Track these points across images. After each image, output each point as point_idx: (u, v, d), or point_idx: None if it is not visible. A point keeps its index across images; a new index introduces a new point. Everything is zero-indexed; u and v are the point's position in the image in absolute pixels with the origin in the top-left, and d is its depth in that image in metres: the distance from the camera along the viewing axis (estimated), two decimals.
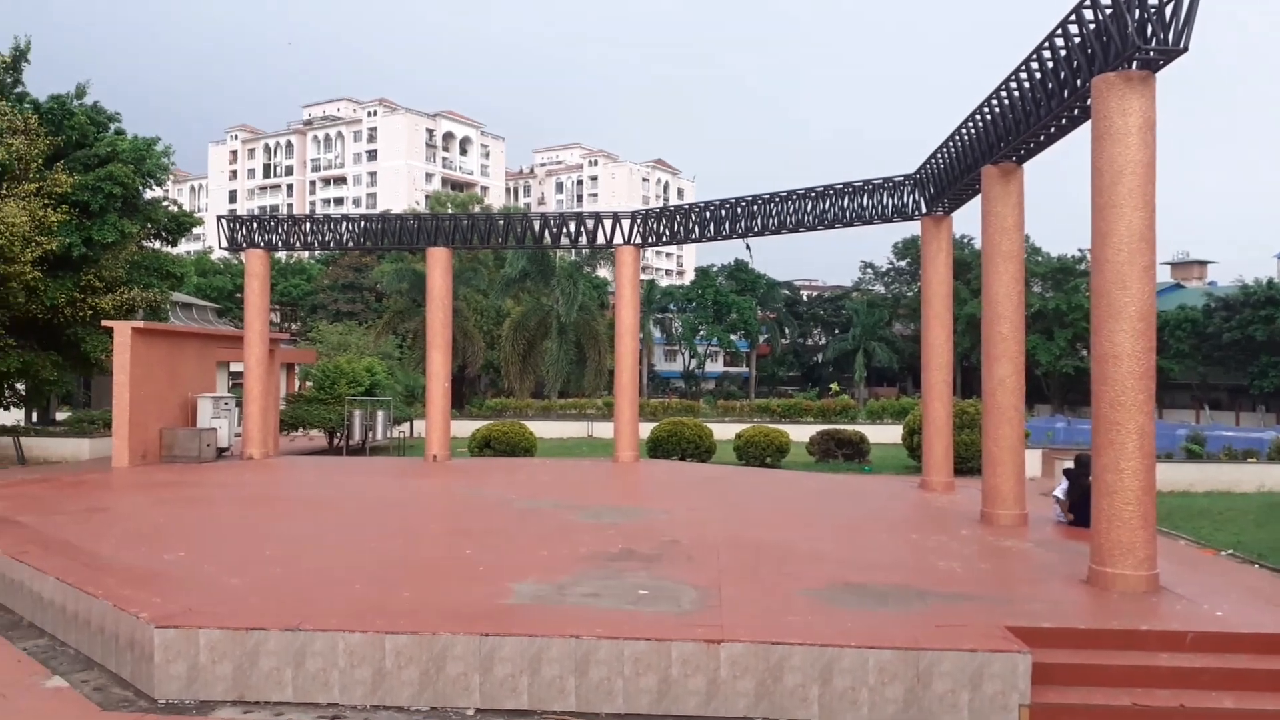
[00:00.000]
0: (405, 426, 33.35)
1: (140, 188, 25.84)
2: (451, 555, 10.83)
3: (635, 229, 22.99)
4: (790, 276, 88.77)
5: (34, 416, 33.04)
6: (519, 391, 48.60)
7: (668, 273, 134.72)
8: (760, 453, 25.39)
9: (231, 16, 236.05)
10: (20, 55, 25.13)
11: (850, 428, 30.08)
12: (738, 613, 7.93)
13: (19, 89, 25.34)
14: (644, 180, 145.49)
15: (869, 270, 79.27)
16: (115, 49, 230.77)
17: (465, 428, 32.18)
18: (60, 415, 34.34)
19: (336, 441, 30.16)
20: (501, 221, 24.30)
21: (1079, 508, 13.30)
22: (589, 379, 50.01)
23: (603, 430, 38.40)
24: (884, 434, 33.72)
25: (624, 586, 8.90)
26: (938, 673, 6.97)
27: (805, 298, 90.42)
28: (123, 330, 20.95)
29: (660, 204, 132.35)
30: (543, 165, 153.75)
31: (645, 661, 7.04)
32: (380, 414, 29.19)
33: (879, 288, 78.57)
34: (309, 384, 33.50)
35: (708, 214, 21.98)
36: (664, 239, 23.15)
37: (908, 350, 70.78)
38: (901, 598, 8.69)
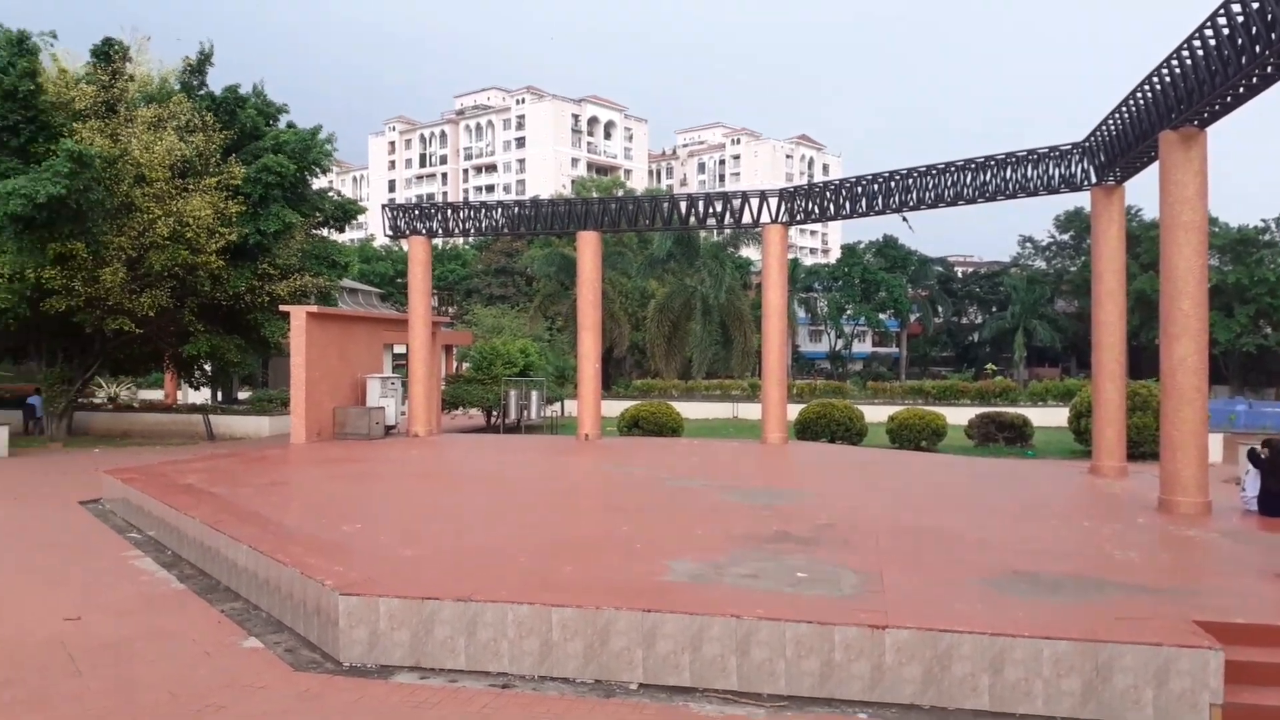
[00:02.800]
0: (557, 406, 34.22)
1: (305, 176, 27.32)
2: (608, 532, 11.04)
3: (783, 207, 22.68)
4: (943, 252, 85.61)
5: (219, 396, 35.67)
6: (664, 372, 48.97)
7: (812, 251, 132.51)
8: (915, 436, 24.72)
9: (388, 13, 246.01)
10: (205, 59, 27.02)
11: (1011, 410, 28.92)
12: (901, 598, 7.77)
13: (202, 90, 27.23)
14: (787, 157, 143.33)
15: (1028, 245, 75.60)
16: (282, 49, 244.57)
17: (612, 408, 32.74)
18: (242, 395, 36.94)
19: (493, 420, 31.27)
20: (649, 204, 24.47)
21: (1270, 497, 12.34)
22: (735, 360, 49.88)
23: (748, 411, 38.29)
24: (1047, 417, 32.26)
25: (782, 568, 8.86)
26: (1119, 667, 6.62)
27: (959, 274, 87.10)
28: (299, 314, 22.28)
29: (804, 181, 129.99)
30: (684, 146, 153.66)
31: (807, 644, 6.98)
32: (534, 394, 30.07)
33: (1039, 263, 74.84)
34: (467, 365, 34.83)
35: (859, 189, 21.45)
36: (813, 216, 22.74)
37: (1071, 329, 67.24)
38: (1076, 588, 8.30)
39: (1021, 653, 6.73)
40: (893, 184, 20.55)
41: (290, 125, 28.08)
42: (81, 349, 26.41)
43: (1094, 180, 16.96)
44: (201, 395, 35.44)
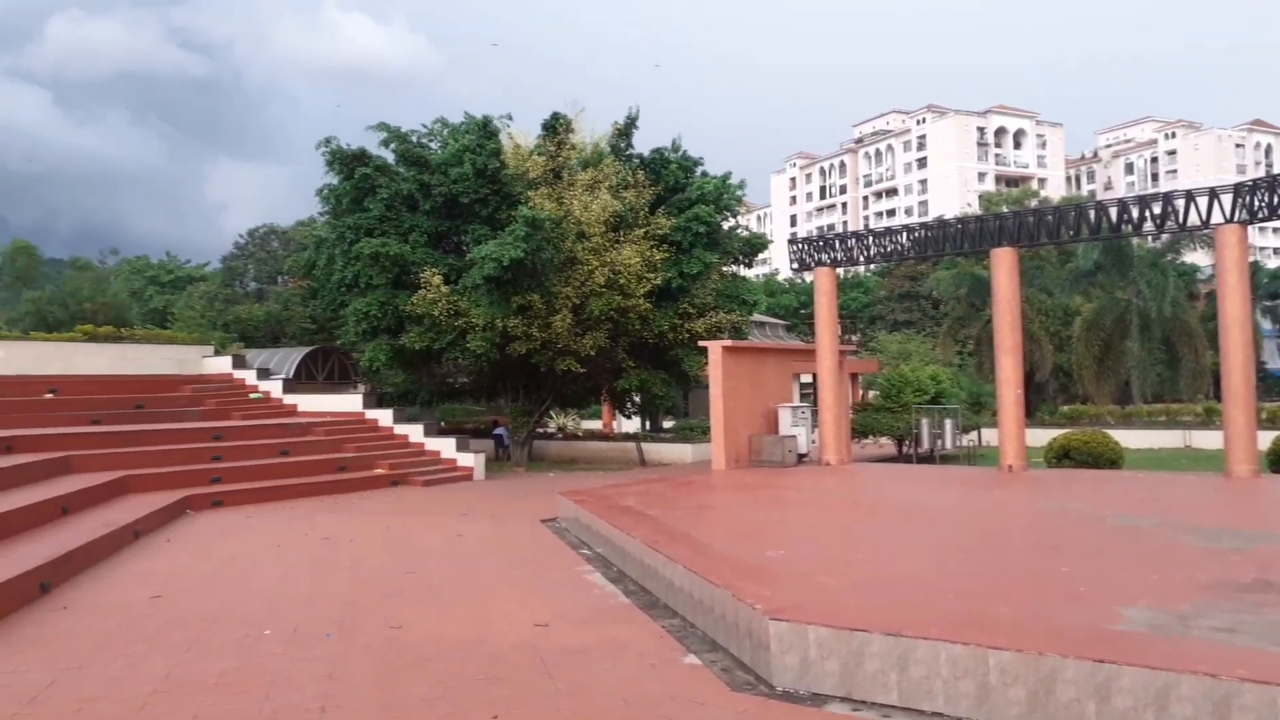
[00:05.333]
0: (973, 435, 32.63)
1: (719, 222, 29.16)
2: (1045, 572, 10.26)
3: (1239, 203, 19.70)
4: None
5: (647, 425, 38.81)
6: (1095, 397, 44.52)
7: (1275, 251, 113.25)
8: None
9: (786, 56, 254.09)
10: (631, 123, 29.94)
11: None
12: None
13: (629, 151, 30.15)
14: (1237, 147, 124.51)
15: None
16: (693, 104, 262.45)
17: (1036, 436, 30.43)
18: (666, 424, 39.84)
19: (905, 449, 30.60)
20: (1071, 213, 22.59)
21: None
22: (1184, 381, 44.02)
23: (1203, 440, 33.59)
24: None
25: (1265, 624, 7.62)
26: None
27: None
28: (715, 349, 23.64)
29: (1262, 173, 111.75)
30: (1107, 147, 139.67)
31: None
32: (948, 422, 28.98)
33: None
34: (874, 393, 34.50)
35: None
36: (1278, 213, 19.48)
37: None
38: None
39: None
40: None
41: (704, 174, 30.11)
42: (537, 386, 30.29)
43: None
44: (632, 424, 38.77)
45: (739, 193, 30.04)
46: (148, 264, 69.81)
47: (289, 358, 36.17)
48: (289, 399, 29.58)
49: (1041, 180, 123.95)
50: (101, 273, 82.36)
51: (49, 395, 25.35)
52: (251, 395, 29.53)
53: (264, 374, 31.03)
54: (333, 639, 9.28)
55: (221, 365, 31.53)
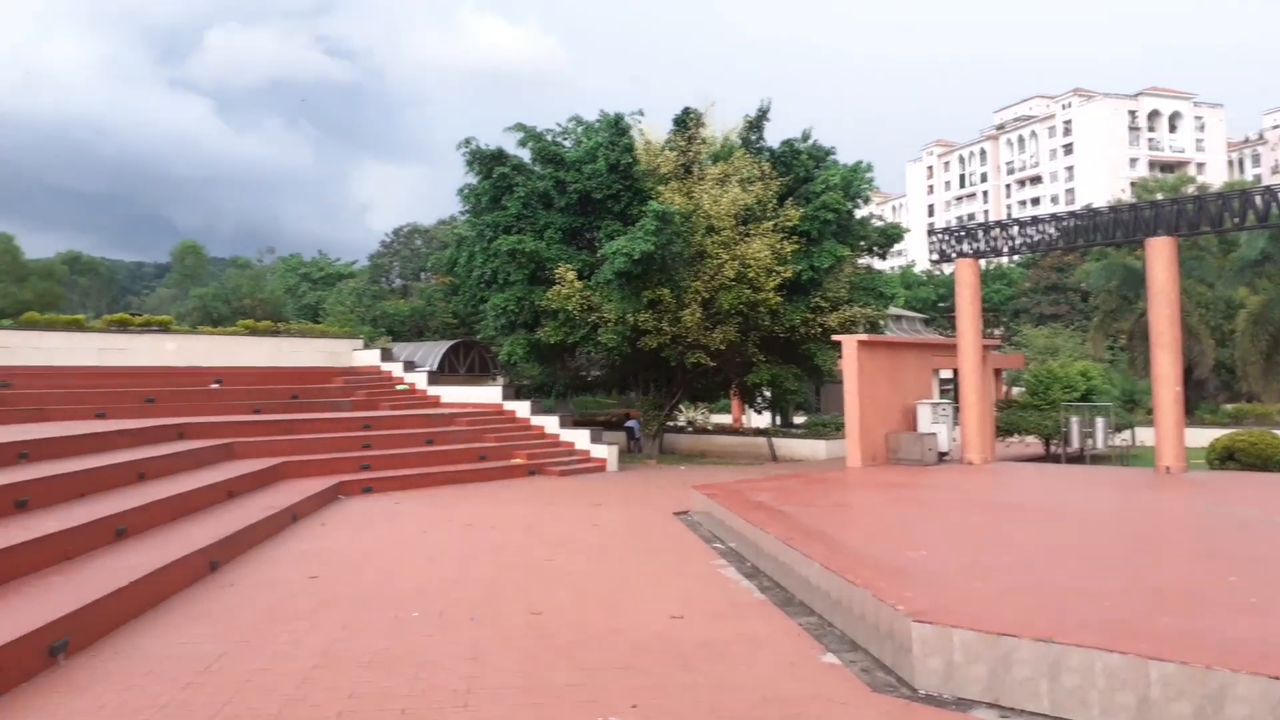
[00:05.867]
0: (1126, 434, 30.96)
1: (850, 210, 28.54)
2: (1210, 581, 9.65)
3: None
4: None
5: (777, 420, 38.45)
6: (1263, 395, 41.51)
7: None
8: None
9: (927, 43, 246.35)
10: (762, 115, 29.70)
11: None
12: None
13: (760, 144, 29.89)
14: None
15: None
16: (826, 94, 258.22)
17: (1195, 437, 28.67)
18: (797, 419, 39.37)
19: (1053, 448, 29.31)
20: (1237, 199, 21.10)
21: None
22: None
23: None
24: None
25: None
26: None
27: None
28: (850, 343, 23.19)
29: None
30: (1275, 128, 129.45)
31: None
32: (1099, 421, 27.56)
33: None
34: (1019, 389, 33.17)
35: None
36: None
37: None
38: None
39: None
40: None
41: (834, 163, 29.57)
42: (667, 380, 30.45)
43: None
44: (763, 419, 38.50)
45: (868, 176, 29.36)
46: (300, 262, 73.69)
47: (433, 351, 37.53)
48: (433, 390, 30.72)
49: (1199, 165, 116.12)
50: (259, 270, 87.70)
51: (215, 385, 27.14)
52: (398, 387, 30.82)
53: (410, 366, 32.33)
54: (476, 623, 9.58)
55: (370, 358, 33.02)
